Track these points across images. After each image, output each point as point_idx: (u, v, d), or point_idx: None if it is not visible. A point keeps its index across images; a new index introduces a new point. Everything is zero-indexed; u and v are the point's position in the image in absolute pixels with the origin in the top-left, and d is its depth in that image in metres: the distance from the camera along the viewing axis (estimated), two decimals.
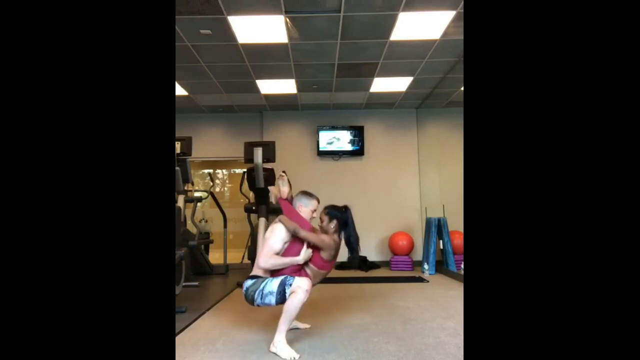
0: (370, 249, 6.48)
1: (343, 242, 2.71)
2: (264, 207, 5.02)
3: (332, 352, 2.34)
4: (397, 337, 2.61)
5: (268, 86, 5.54)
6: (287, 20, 3.70)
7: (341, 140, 6.57)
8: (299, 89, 5.67)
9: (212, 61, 4.65)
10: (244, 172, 5.31)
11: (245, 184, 5.30)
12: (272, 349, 2.34)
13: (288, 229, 2.51)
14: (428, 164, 6.47)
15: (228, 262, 6.22)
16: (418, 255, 6.13)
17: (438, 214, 5.70)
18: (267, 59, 4.59)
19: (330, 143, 6.54)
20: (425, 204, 6.34)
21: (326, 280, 2.55)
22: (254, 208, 5.19)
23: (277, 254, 2.49)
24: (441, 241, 5.52)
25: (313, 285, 2.47)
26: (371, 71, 5.05)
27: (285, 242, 2.54)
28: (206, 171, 8.89)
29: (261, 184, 4.84)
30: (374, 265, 6.21)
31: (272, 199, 2.79)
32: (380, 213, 6.53)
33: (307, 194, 2.71)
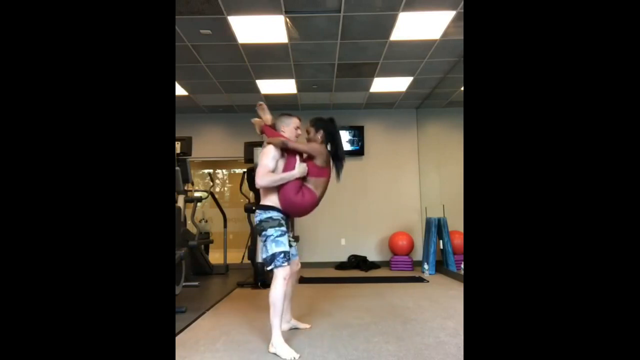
0: (370, 249, 6.49)
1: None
2: None
3: (332, 352, 2.34)
4: (397, 337, 2.61)
5: (268, 86, 5.54)
6: (287, 20, 3.70)
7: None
8: (299, 89, 5.67)
9: (212, 61, 4.66)
10: (244, 172, 5.32)
11: (245, 184, 5.31)
12: (272, 349, 2.34)
13: (276, 145, 2.53)
14: (428, 164, 6.47)
15: (228, 262, 6.23)
16: (418, 255, 6.13)
17: (438, 214, 5.70)
18: (267, 59, 4.59)
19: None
20: (425, 204, 6.34)
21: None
22: (254, 208, 5.19)
23: (272, 172, 2.51)
24: (441, 241, 5.52)
25: (320, 197, 2.53)
26: (371, 71, 5.05)
27: (278, 160, 2.55)
28: (206, 171, 8.89)
29: None
30: (374, 265, 6.22)
31: (257, 130, 2.81)
32: (380, 213, 6.53)
33: (285, 114, 2.75)
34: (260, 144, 4.92)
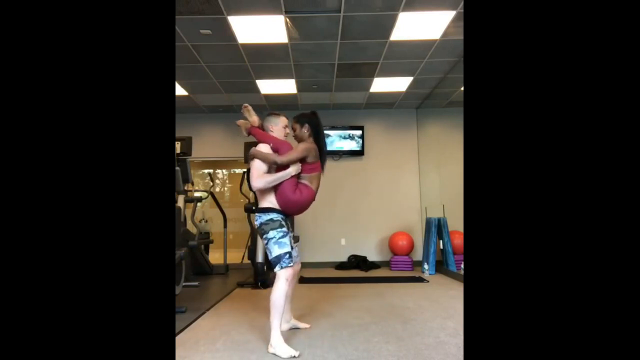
0: (370, 249, 6.49)
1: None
2: None
3: (332, 352, 2.34)
4: (397, 337, 2.61)
5: (268, 86, 5.54)
6: (287, 20, 3.70)
7: (341, 140, 6.57)
8: (299, 89, 5.67)
9: (212, 61, 4.65)
10: (244, 172, 5.32)
11: (245, 184, 5.30)
12: (271, 350, 2.34)
13: (270, 163, 2.49)
14: (428, 164, 6.47)
15: (228, 262, 6.23)
16: (418, 255, 6.13)
17: (438, 214, 5.70)
18: (267, 59, 4.59)
19: (344, 139, 6.53)
20: (425, 204, 6.34)
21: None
22: (254, 208, 5.19)
23: (266, 173, 2.49)
24: (441, 241, 5.52)
25: (316, 190, 2.54)
26: (371, 71, 5.05)
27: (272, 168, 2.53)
28: (206, 171, 8.89)
29: None
30: (374, 265, 6.21)
31: (243, 132, 2.82)
32: (380, 213, 6.53)
33: (272, 114, 2.75)
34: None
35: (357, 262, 6.22)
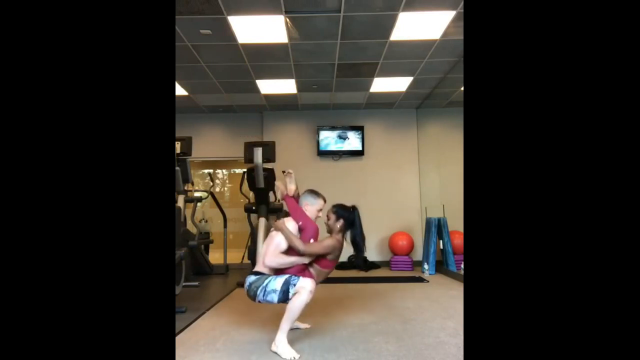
0: (370, 249, 6.47)
1: (347, 241, 2.70)
2: (264, 207, 5.02)
3: (332, 352, 2.34)
4: (397, 337, 2.61)
5: (268, 86, 5.54)
6: (287, 20, 3.70)
7: (341, 140, 6.58)
8: (299, 88, 5.67)
9: (212, 61, 4.65)
10: (244, 172, 5.32)
11: (245, 184, 5.30)
12: (274, 348, 2.35)
13: (289, 244, 2.46)
14: (428, 164, 6.47)
15: (228, 262, 6.22)
16: (418, 255, 6.12)
17: (438, 214, 5.70)
18: (267, 59, 4.59)
19: (340, 140, 6.53)
20: (425, 204, 6.34)
21: (326, 280, 2.56)
22: (254, 208, 5.19)
23: (284, 253, 2.48)
24: (441, 241, 5.52)
25: (316, 284, 2.48)
26: (371, 71, 5.05)
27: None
28: (206, 171, 8.89)
29: (261, 184, 4.84)
30: (374, 265, 6.21)
31: (278, 195, 2.79)
32: (380, 213, 6.52)
33: (313, 192, 2.71)
34: (260, 144, 4.92)
35: (357, 262, 6.21)
